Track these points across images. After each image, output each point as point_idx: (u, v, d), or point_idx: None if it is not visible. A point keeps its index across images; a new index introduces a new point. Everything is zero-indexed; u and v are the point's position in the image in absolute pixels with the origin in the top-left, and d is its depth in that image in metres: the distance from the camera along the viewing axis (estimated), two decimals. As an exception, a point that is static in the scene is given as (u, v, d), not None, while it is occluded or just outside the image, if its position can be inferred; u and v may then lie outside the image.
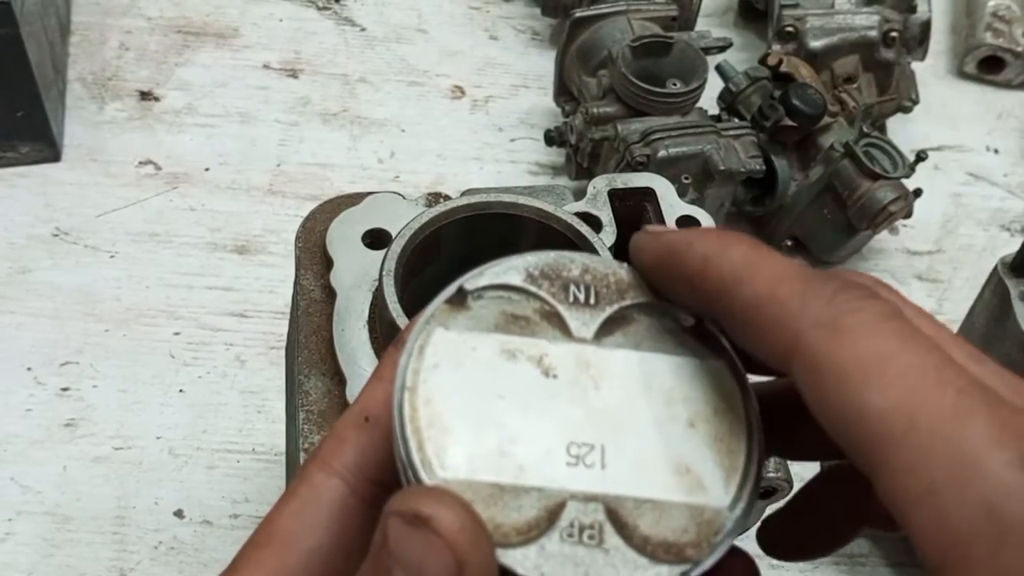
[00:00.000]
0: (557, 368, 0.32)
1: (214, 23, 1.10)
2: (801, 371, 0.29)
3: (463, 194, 0.54)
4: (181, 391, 0.84)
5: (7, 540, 0.75)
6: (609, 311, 0.34)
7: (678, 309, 0.34)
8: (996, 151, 1.09)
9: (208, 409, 0.83)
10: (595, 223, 0.55)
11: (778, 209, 0.95)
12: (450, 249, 0.53)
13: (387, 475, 0.32)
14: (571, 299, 0.34)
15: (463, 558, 0.28)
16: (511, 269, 0.34)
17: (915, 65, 1.07)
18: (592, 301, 0.34)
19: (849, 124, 0.96)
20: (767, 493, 0.46)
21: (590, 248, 0.52)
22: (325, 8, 1.14)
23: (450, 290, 0.33)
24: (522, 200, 0.53)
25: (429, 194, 0.56)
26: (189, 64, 1.06)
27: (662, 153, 0.87)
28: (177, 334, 0.87)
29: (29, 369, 0.83)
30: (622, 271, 0.35)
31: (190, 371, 0.85)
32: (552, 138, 0.98)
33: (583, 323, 0.33)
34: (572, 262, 0.34)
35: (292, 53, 1.09)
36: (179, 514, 0.77)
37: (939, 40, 1.16)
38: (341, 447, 0.34)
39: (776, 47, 1.01)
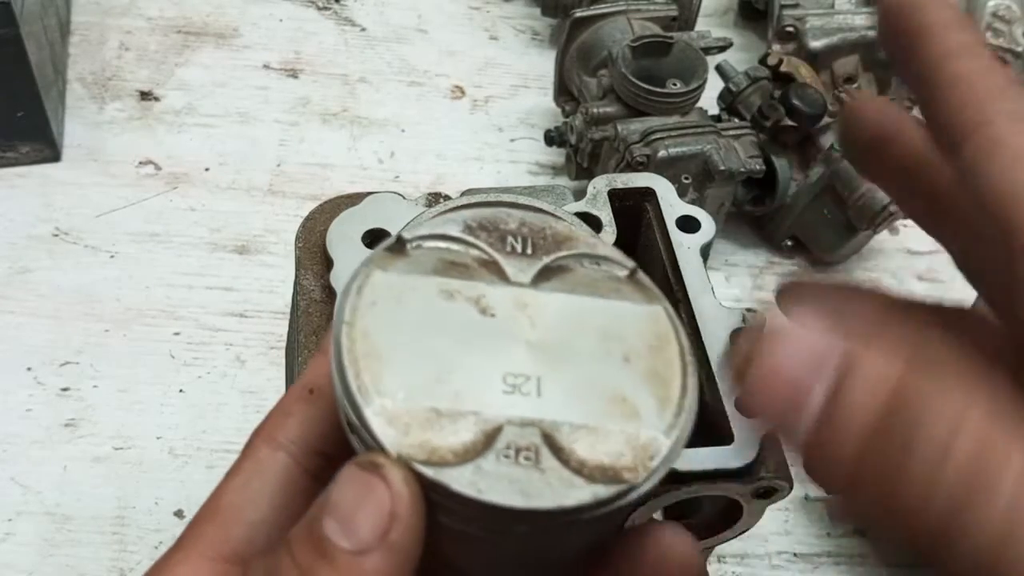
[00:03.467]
0: (494, 308, 0.33)
1: (214, 23, 1.10)
2: (976, 147, 0.30)
3: (463, 194, 0.54)
4: (181, 391, 0.84)
5: (7, 540, 0.75)
6: (546, 260, 0.34)
7: (614, 261, 0.35)
8: (996, 151, 1.09)
9: (208, 409, 0.83)
10: (595, 223, 0.55)
11: (778, 209, 0.95)
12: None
13: (331, 447, 0.33)
14: (508, 249, 0.34)
15: (398, 511, 0.28)
16: (450, 221, 0.35)
17: (915, 65, 1.07)
18: (529, 251, 0.35)
19: (849, 124, 0.96)
20: (767, 493, 0.46)
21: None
22: (325, 8, 1.14)
23: (389, 240, 0.34)
24: (522, 200, 0.53)
25: (429, 194, 0.56)
26: (189, 64, 1.06)
27: (662, 153, 0.87)
28: (177, 334, 0.87)
29: (29, 369, 0.83)
30: (559, 225, 0.35)
31: (190, 371, 0.85)
32: (552, 138, 0.98)
33: (520, 270, 0.34)
34: (509, 216, 0.35)
35: (292, 53, 1.09)
36: (179, 514, 0.77)
37: (939, 40, 1.16)
38: (286, 420, 0.34)
39: (776, 47, 1.01)
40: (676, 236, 0.56)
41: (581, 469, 0.30)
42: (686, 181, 0.88)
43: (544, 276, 0.34)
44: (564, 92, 1.02)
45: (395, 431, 0.30)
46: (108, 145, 0.98)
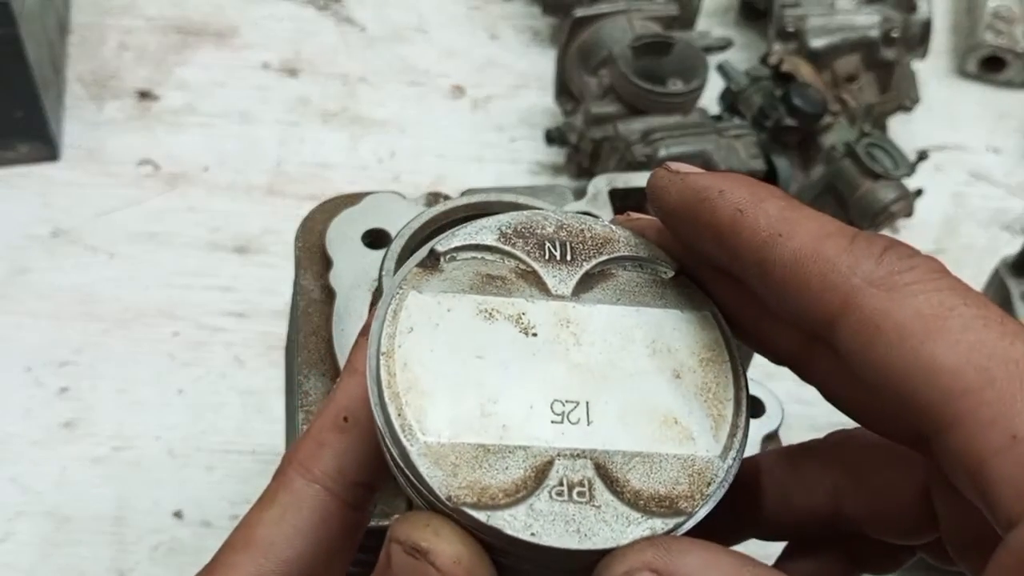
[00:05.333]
0: (536, 326, 0.32)
1: (213, 23, 1.10)
2: (853, 331, 0.28)
3: (463, 194, 0.54)
4: (180, 391, 0.83)
5: (7, 540, 0.75)
6: (586, 267, 0.33)
7: (657, 262, 0.34)
8: (997, 151, 1.09)
9: (207, 409, 0.83)
10: (595, 223, 0.55)
11: (779, 209, 0.95)
12: (450, 249, 0.53)
13: (369, 476, 0.32)
14: (547, 256, 0.33)
15: None
16: (484, 229, 0.33)
17: (916, 65, 1.07)
18: (568, 257, 0.33)
19: (850, 124, 0.96)
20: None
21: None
22: (325, 8, 1.14)
23: (421, 253, 0.32)
24: (522, 200, 0.53)
25: (429, 194, 0.56)
26: (188, 64, 1.06)
27: (663, 153, 0.87)
28: (176, 334, 0.86)
29: (29, 369, 0.83)
30: (597, 226, 0.34)
31: (189, 371, 0.85)
32: (552, 138, 0.98)
33: (560, 280, 0.33)
34: (546, 219, 0.34)
35: (292, 53, 1.09)
36: (178, 515, 0.77)
37: (940, 40, 1.15)
38: (320, 451, 0.33)
39: (777, 47, 1.01)
40: (677, 236, 0.56)
41: (636, 501, 0.29)
42: (686, 181, 0.88)
43: (585, 285, 0.33)
44: (564, 92, 1.02)
45: (443, 472, 0.29)
46: (107, 145, 0.98)
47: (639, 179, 0.59)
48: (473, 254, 0.33)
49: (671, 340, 0.32)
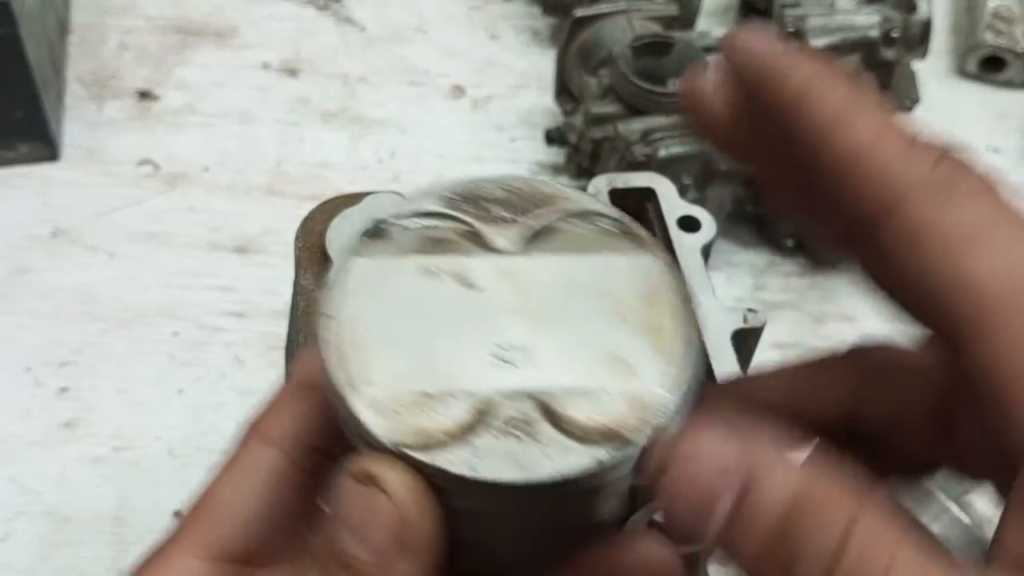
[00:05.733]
0: (480, 280, 0.32)
1: (213, 23, 1.10)
2: (898, 234, 0.28)
3: (463, 194, 0.54)
4: (180, 391, 0.83)
5: (6, 540, 0.75)
6: (531, 224, 0.33)
7: (603, 214, 0.34)
8: (997, 151, 1.09)
9: (207, 409, 0.82)
10: (595, 223, 0.55)
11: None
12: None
13: (326, 441, 0.33)
14: (492, 217, 0.33)
15: (406, 516, 0.28)
16: (429, 196, 0.34)
17: (916, 65, 1.07)
18: (513, 217, 0.34)
19: (850, 124, 0.96)
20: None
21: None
22: (325, 8, 1.14)
23: (368, 224, 0.33)
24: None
25: (429, 194, 0.56)
26: (188, 64, 1.06)
27: (663, 153, 0.87)
28: (176, 334, 0.86)
29: (29, 369, 0.83)
30: (541, 186, 0.34)
31: (189, 371, 0.85)
32: (552, 138, 0.98)
33: (504, 237, 0.33)
34: (490, 182, 0.34)
35: (292, 53, 1.09)
36: (178, 515, 0.77)
37: (940, 40, 1.15)
38: (279, 416, 0.34)
39: (777, 47, 1.01)
40: (677, 236, 0.56)
41: (580, 435, 0.29)
42: (687, 181, 0.88)
43: (529, 240, 0.33)
44: (564, 92, 1.02)
45: (385, 420, 0.29)
46: (107, 145, 0.98)
47: (639, 179, 0.59)
48: (419, 221, 0.33)
49: (616, 284, 0.32)
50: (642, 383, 0.30)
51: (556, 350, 0.31)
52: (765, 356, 0.90)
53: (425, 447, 0.29)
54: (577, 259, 0.33)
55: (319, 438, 0.33)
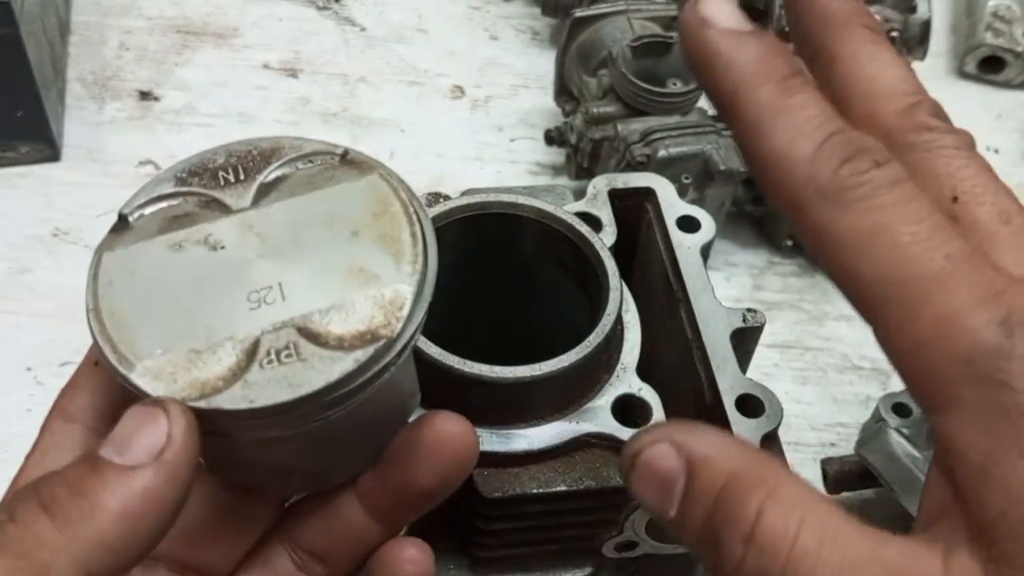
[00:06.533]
0: (222, 240, 0.35)
1: (214, 23, 1.10)
2: (802, 233, 0.31)
3: (463, 194, 0.54)
4: (181, 391, 0.83)
5: (7, 540, 0.75)
6: (260, 178, 0.36)
7: (324, 152, 0.37)
8: (997, 151, 1.09)
9: (208, 409, 0.83)
10: (595, 223, 0.55)
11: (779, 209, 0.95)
12: (450, 249, 0.53)
13: (123, 412, 0.34)
14: (223, 183, 0.36)
15: (173, 434, 0.31)
16: (161, 180, 0.37)
17: (915, 65, 1.07)
18: (242, 177, 0.36)
19: (849, 124, 0.96)
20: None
21: (591, 248, 0.51)
22: (325, 8, 1.14)
23: (113, 220, 0.36)
24: (522, 200, 0.53)
25: (429, 194, 0.56)
26: (189, 64, 1.06)
27: (662, 153, 0.87)
28: (177, 334, 0.86)
29: (29, 369, 0.83)
30: (262, 142, 0.37)
31: (190, 371, 0.84)
32: (552, 138, 0.98)
33: (239, 197, 0.36)
34: (215, 154, 0.37)
35: (292, 53, 1.09)
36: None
37: (939, 40, 1.16)
38: (76, 393, 0.37)
39: (776, 47, 1.01)
40: (676, 236, 0.56)
41: (341, 344, 0.33)
42: (686, 181, 0.88)
43: (263, 193, 0.36)
44: (564, 92, 1.02)
45: (164, 383, 0.33)
46: (108, 145, 0.98)
47: (639, 179, 0.60)
48: (157, 205, 0.36)
49: (346, 208, 0.36)
50: (383, 285, 0.34)
51: (304, 280, 0.34)
52: (765, 356, 0.90)
53: (203, 396, 0.32)
54: (307, 197, 0.36)
55: (117, 409, 0.35)
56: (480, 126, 1.05)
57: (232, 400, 0.32)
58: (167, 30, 1.09)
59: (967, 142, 0.34)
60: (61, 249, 0.91)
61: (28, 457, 0.36)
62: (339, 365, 0.32)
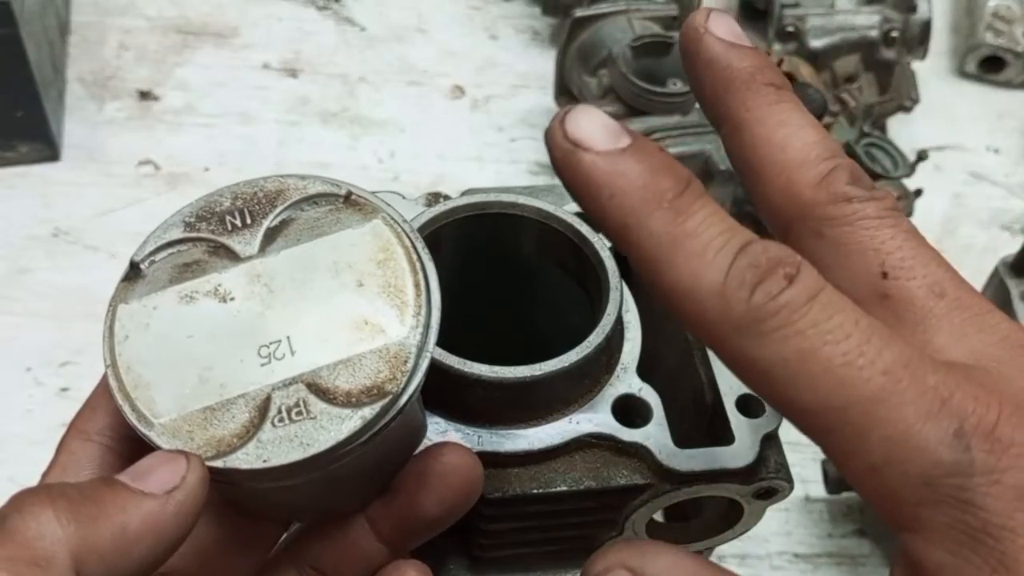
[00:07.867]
0: (232, 291, 0.35)
1: (213, 23, 1.10)
2: (728, 365, 0.30)
3: (463, 194, 0.54)
4: (181, 391, 0.83)
5: (6, 541, 0.75)
6: (266, 223, 0.36)
7: (328, 193, 0.37)
8: (997, 151, 1.09)
9: (208, 409, 0.83)
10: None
11: (778, 209, 0.95)
12: (450, 249, 0.53)
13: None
14: (230, 228, 0.36)
15: (188, 479, 0.32)
16: (170, 226, 0.37)
17: (916, 65, 1.07)
18: (248, 221, 0.36)
19: (850, 124, 0.96)
20: (767, 493, 0.46)
21: (591, 248, 0.51)
22: (325, 8, 1.14)
23: (125, 269, 0.36)
24: (522, 200, 0.53)
25: (429, 194, 0.56)
26: (188, 64, 1.06)
27: (662, 153, 0.87)
28: (177, 334, 0.86)
29: (29, 369, 0.83)
30: (268, 183, 0.37)
31: (190, 371, 0.85)
32: (552, 138, 0.98)
33: (246, 243, 0.36)
34: (222, 196, 0.37)
35: (292, 53, 1.09)
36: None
37: (940, 40, 1.16)
38: (94, 414, 0.38)
39: (777, 47, 1.01)
40: (676, 236, 0.56)
41: (349, 400, 0.33)
42: (686, 181, 0.88)
43: (269, 239, 0.36)
44: (564, 92, 1.02)
45: (182, 441, 0.33)
46: (107, 145, 0.98)
47: (639, 179, 0.59)
48: (167, 251, 0.36)
49: (350, 256, 0.36)
50: (388, 338, 0.34)
51: (312, 333, 0.35)
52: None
53: (219, 454, 0.33)
54: (312, 244, 0.36)
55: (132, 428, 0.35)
56: (480, 126, 1.05)
57: (247, 460, 0.33)
58: (167, 30, 1.09)
59: (889, 207, 0.32)
60: (60, 249, 0.91)
61: (45, 474, 0.37)
62: (347, 424, 0.33)
